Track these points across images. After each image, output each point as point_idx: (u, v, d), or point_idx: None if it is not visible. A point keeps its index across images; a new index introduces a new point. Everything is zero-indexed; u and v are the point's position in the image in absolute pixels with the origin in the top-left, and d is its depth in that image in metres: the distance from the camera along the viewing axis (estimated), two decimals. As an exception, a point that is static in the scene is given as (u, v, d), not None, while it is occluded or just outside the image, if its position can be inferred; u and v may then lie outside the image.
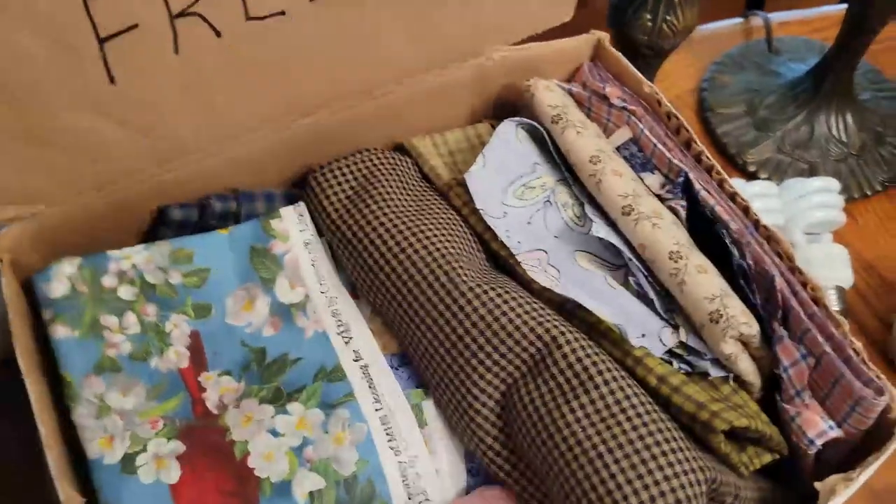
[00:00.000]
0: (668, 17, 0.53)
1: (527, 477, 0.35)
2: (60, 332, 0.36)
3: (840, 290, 0.59)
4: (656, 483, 0.31)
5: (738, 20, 0.74)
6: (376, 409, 0.37)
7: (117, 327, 0.37)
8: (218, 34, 0.34)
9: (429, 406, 0.37)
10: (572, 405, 0.33)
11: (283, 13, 0.35)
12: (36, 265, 0.37)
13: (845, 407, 0.37)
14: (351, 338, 0.38)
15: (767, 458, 0.37)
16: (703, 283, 0.37)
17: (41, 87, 0.32)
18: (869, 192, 0.66)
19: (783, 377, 0.38)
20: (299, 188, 0.42)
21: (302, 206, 0.41)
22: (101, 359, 0.36)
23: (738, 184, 0.59)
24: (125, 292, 0.38)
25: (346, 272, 0.40)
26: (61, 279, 0.37)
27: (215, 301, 0.39)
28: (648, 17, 0.53)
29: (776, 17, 0.75)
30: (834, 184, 0.61)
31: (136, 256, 0.38)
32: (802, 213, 0.60)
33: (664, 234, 0.38)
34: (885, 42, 0.69)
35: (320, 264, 0.40)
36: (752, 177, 0.64)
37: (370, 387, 0.37)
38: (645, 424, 0.33)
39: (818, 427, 0.37)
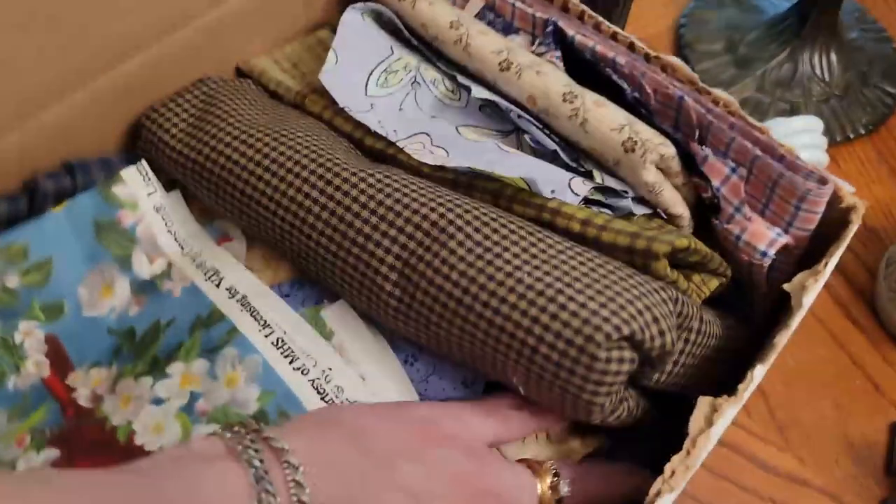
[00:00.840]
0: None
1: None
2: None
3: None
4: (630, 302, 0.28)
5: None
6: (266, 336, 0.31)
7: (-43, 356, 0.31)
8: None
9: (331, 316, 0.32)
10: (505, 256, 0.29)
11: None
12: None
13: (789, 209, 0.33)
14: (222, 278, 0.33)
15: (715, 282, 0.33)
16: (605, 115, 0.33)
17: None
18: (852, 136, 0.62)
19: (718, 197, 0.33)
20: (136, 148, 0.36)
21: (144, 164, 0.35)
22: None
23: None
24: (-44, 313, 0.32)
25: (206, 203, 0.34)
26: None
27: (66, 295, 0.33)
28: None
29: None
30: (817, 123, 0.56)
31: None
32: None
33: (551, 78, 0.34)
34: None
35: (178, 227, 0.34)
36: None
37: (253, 316, 0.31)
38: (591, 260, 0.29)
39: (767, 237, 0.33)
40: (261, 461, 0.24)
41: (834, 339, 0.52)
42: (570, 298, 0.28)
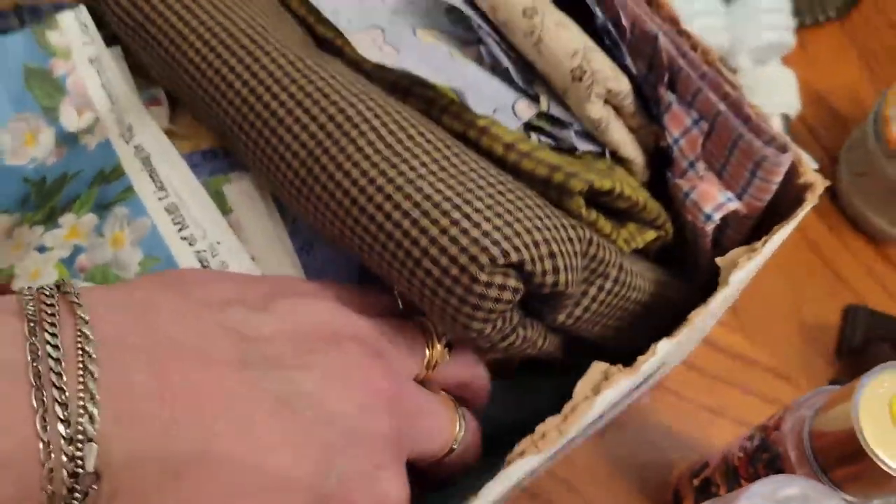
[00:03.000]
0: None
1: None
2: None
3: (785, 117, 0.55)
4: (528, 231, 0.26)
5: None
6: (160, 199, 0.30)
7: None
8: None
9: (233, 190, 0.31)
10: (411, 163, 0.27)
11: None
12: None
13: (745, 173, 0.30)
14: (133, 135, 0.31)
15: (651, 234, 0.31)
16: (562, 37, 0.30)
17: None
18: (821, 18, 0.61)
19: (673, 149, 0.31)
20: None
21: (84, 10, 0.34)
22: None
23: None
24: None
25: (145, 64, 0.33)
26: None
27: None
28: None
29: None
30: (784, 3, 0.56)
31: None
32: (750, 35, 0.55)
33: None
34: None
35: (112, 84, 0.33)
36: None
37: (152, 177, 0.30)
38: (500, 183, 0.27)
39: (715, 199, 0.31)
40: (38, 311, 0.21)
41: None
42: (466, 216, 0.26)
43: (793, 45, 0.56)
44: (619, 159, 0.32)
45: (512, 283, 0.25)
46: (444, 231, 0.26)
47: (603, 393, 0.27)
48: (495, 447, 0.29)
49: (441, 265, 0.26)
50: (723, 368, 0.47)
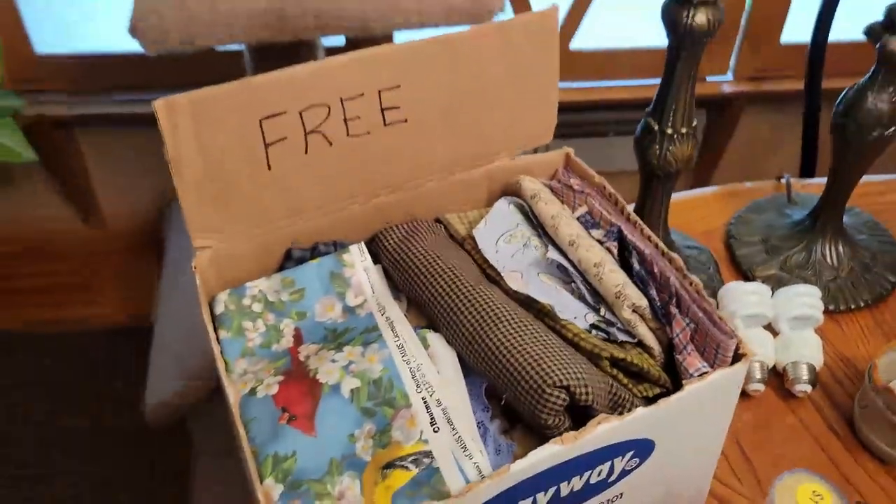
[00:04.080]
0: (670, 149, 0.74)
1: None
2: (221, 334, 0.60)
3: (811, 367, 0.75)
4: (574, 372, 0.51)
5: (773, 181, 0.99)
6: (395, 340, 0.57)
7: (252, 329, 0.61)
8: (330, 143, 0.61)
9: (432, 337, 0.58)
10: (520, 333, 0.54)
11: (368, 133, 0.62)
12: (210, 281, 0.62)
13: (713, 351, 0.53)
14: (385, 311, 0.60)
15: (657, 390, 0.55)
16: (612, 278, 0.57)
17: (232, 168, 0.58)
18: (853, 307, 0.84)
19: (676, 339, 0.55)
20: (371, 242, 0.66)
21: (363, 245, 0.64)
22: (244, 349, 0.60)
23: (733, 285, 0.78)
24: (256, 307, 0.62)
25: (395, 284, 0.62)
26: (220, 303, 0.61)
27: (308, 308, 0.62)
28: (657, 147, 0.75)
29: (804, 181, 1.01)
30: (816, 290, 0.79)
31: (262, 284, 0.62)
32: (788, 308, 0.78)
33: (592, 253, 0.59)
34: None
35: (374, 282, 0.63)
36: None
37: (392, 330, 0.58)
38: (564, 347, 0.53)
39: (696, 366, 0.54)
40: None
41: (816, 441, 0.72)
42: (541, 360, 0.51)
43: (821, 319, 0.79)
44: (644, 346, 0.56)
45: (563, 396, 0.50)
46: (528, 367, 0.51)
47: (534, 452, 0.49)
48: None
49: (530, 384, 0.51)
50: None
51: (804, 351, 0.77)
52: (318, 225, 0.64)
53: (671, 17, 0.66)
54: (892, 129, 0.77)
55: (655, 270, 0.58)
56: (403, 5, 1.13)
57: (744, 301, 0.80)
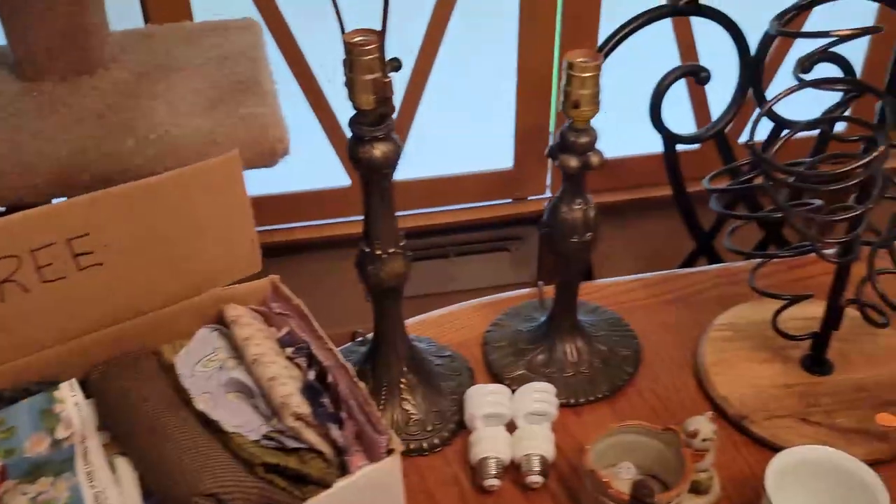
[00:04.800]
0: (383, 268, 0.78)
1: None
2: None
3: (543, 458, 0.83)
4: (222, 479, 0.56)
5: (534, 288, 1.05)
6: (85, 468, 0.62)
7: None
8: (26, 290, 0.66)
9: (120, 462, 0.62)
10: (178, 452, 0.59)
11: (64, 278, 0.67)
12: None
13: (373, 450, 0.60)
14: (84, 442, 0.64)
15: (322, 491, 0.59)
16: (280, 390, 0.63)
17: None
18: (591, 399, 0.92)
19: (341, 442, 0.61)
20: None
21: (74, 381, 0.68)
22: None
23: (475, 388, 0.84)
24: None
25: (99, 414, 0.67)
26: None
27: (18, 445, 0.65)
28: (371, 267, 0.79)
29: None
30: (550, 387, 0.86)
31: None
32: (524, 405, 0.86)
33: (269, 370, 0.65)
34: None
35: (84, 415, 0.67)
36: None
37: (84, 458, 0.62)
38: (221, 453, 0.59)
39: (358, 464, 0.60)
40: None
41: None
42: (195, 472, 0.56)
43: (555, 413, 0.86)
44: (316, 451, 0.61)
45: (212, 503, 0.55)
46: (185, 478, 0.56)
47: None
48: None
49: (183, 494, 0.55)
50: None
51: (535, 444, 0.83)
52: (27, 364, 0.68)
53: (353, 154, 0.74)
54: (588, 234, 0.86)
55: (330, 380, 0.64)
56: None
57: (482, 402, 0.86)
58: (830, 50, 0.73)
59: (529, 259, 1.94)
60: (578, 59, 0.77)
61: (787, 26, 0.78)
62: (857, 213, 0.74)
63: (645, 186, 1.85)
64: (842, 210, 0.75)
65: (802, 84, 0.73)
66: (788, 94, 0.68)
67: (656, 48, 1.63)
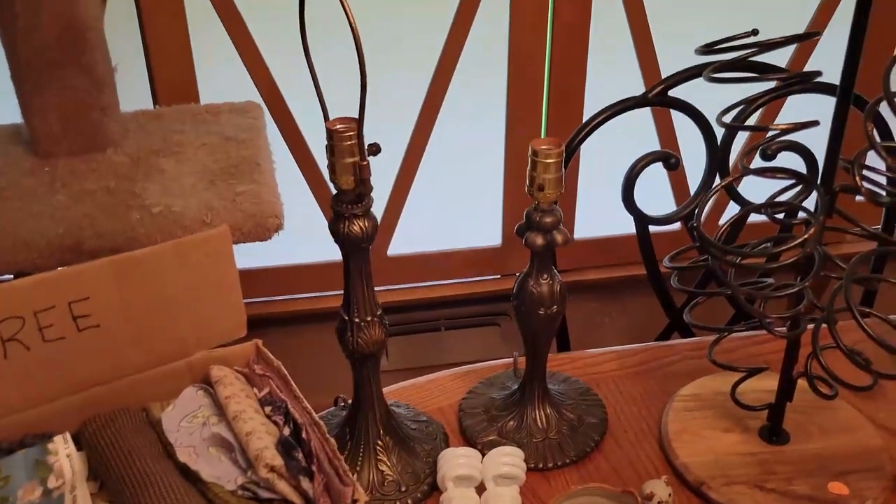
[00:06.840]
0: (361, 335, 0.84)
1: None
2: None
3: None
4: None
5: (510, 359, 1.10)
6: None
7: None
8: (28, 349, 0.73)
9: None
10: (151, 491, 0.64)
11: (63, 338, 0.74)
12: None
13: (340, 500, 0.64)
14: (73, 492, 0.69)
15: None
16: (256, 444, 0.69)
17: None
18: (559, 464, 0.96)
19: (312, 492, 0.66)
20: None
21: (67, 434, 0.74)
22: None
23: (448, 451, 0.89)
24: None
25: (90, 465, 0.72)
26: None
27: (11, 493, 0.70)
28: (350, 335, 0.84)
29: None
30: (518, 451, 0.91)
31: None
32: (493, 467, 0.90)
33: (248, 425, 0.70)
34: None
35: (76, 466, 0.72)
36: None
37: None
38: (188, 499, 0.64)
39: None
40: None
41: None
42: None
43: (522, 477, 0.90)
44: (287, 502, 0.67)
45: None
46: None
47: None
48: None
49: None
50: None
51: (500, 505, 0.87)
52: (25, 418, 0.74)
53: (334, 229, 0.81)
54: (555, 307, 0.92)
55: (304, 436, 0.70)
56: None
57: (453, 464, 0.91)
58: (787, 138, 0.80)
59: (517, 333, 1.99)
60: (542, 147, 0.85)
61: (740, 118, 0.86)
62: (797, 289, 0.80)
63: (636, 264, 1.91)
64: (784, 287, 0.81)
65: (745, 172, 0.80)
66: (728, 182, 0.75)
67: (649, 129, 1.72)
